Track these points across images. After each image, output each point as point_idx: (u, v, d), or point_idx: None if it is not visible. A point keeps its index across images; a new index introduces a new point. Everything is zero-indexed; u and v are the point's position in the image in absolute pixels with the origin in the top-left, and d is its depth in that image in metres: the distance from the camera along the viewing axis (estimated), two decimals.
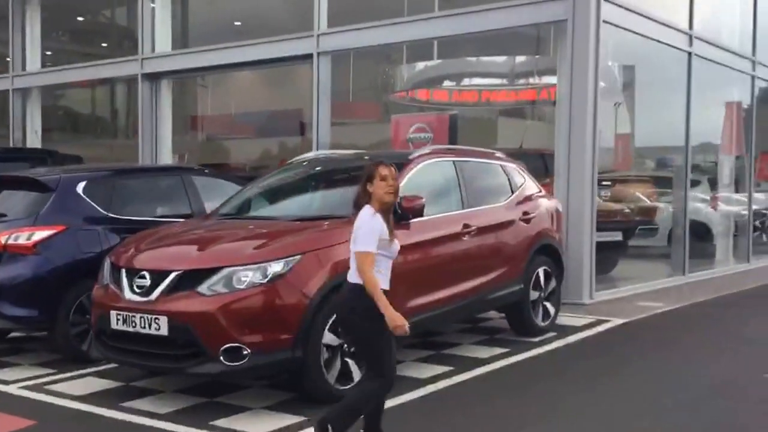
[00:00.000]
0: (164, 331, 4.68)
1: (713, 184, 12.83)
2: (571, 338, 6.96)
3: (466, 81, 15.22)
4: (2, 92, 14.83)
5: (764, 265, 12.78)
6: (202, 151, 19.92)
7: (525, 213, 6.94)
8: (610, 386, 5.57)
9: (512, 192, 7.01)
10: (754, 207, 13.40)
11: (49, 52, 17.13)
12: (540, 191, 7.45)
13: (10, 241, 5.91)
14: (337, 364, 4.94)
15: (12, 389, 5.41)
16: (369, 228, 3.80)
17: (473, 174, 6.69)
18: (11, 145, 14.32)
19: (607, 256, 9.81)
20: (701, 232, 11.97)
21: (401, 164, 5.66)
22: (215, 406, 4.96)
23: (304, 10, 10.65)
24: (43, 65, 14.98)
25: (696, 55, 10.61)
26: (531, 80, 14.44)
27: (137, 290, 4.88)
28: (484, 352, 6.40)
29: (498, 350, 6.47)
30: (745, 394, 5.34)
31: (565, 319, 7.62)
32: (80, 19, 18.90)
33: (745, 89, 12.66)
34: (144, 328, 4.76)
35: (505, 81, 14.94)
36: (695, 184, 11.93)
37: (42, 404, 5.07)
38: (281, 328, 4.69)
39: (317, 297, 4.81)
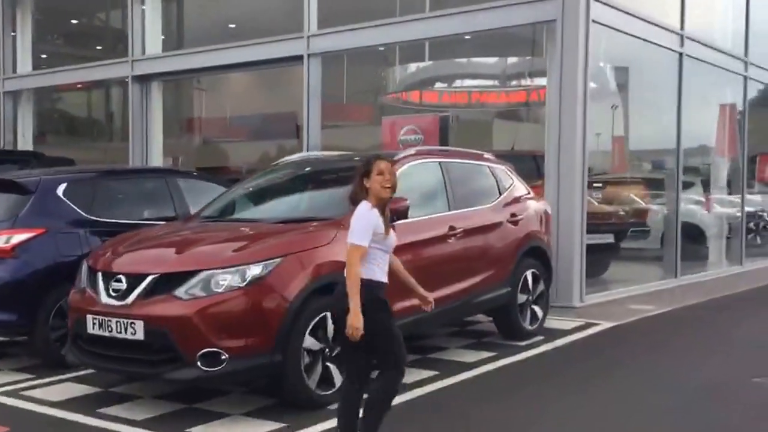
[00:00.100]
0: (140, 335, 4.60)
1: (706, 186, 12.77)
2: (560, 342, 6.88)
3: (458, 82, 15.18)
4: None
5: (757, 268, 12.71)
6: (198, 154, 19.88)
7: (513, 215, 6.86)
8: (598, 390, 5.49)
9: (500, 193, 6.93)
10: (750, 209, 13.34)
11: (44, 56, 17.10)
12: (528, 193, 7.37)
13: None
14: (319, 368, 4.86)
15: None
16: (365, 222, 3.77)
17: (460, 175, 6.61)
18: (2, 147, 14.25)
19: (598, 258, 9.74)
20: (694, 235, 11.90)
21: None
22: (194, 412, 4.87)
23: (297, 12, 10.58)
24: (39, 68, 14.92)
25: (687, 55, 10.55)
26: (522, 82, 14.41)
27: (113, 294, 4.80)
28: (470, 356, 6.32)
29: (485, 354, 6.39)
30: (735, 397, 5.27)
31: (554, 322, 7.54)
32: (75, 22, 18.85)
33: (738, 90, 12.60)
34: (120, 332, 4.67)
35: (497, 83, 14.90)
36: (688, 185, 11.87)
37: (17, 410, 4.98)
38: (260, 332, 4.61)
39: (298, 300, 4.73)
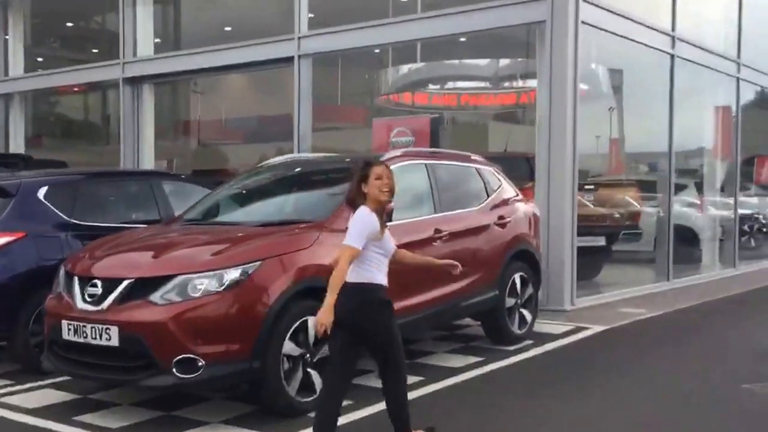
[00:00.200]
0: (115, 341, 4.50)
1: (700, 188, 12.70)
2: (549, 346, 6.79)
3: (450, 84, 15.12)
4: None
5: (751, 271, 12.63)
6: (194, 157, 19.82)
7: (501, 217, 6.78)
8: (588, 395, 5.40)
9: (488, 196, 6.85)
10: (745, 211, 13.26)
11: (40, 59, 17.04)
12: (517, 195, 7.28)
13: None
14: (299, 375, 4.76)
15: None
16: (361, 226, 3.83)
17: (447, 177, 6.53)
18: None
19: (590, 261, 9.66)
20: (687, 237, 11.82)
21: None
22: (171, 420, 4.78)
23: (292, 14, 10.52)
24: (35, 71, 14.86)
25: (679, 57, 10.48)
26: (514, 84, 14.35)
27: (89, 299, 4.70)
28: (458, 361, 6.23)
29: (473, 359, 6.30)
30: (725, 404, 5.18)
31: (544, 326, 7.45)
32: (71, 25, 18.79)
33: (731, 92, 12.53)
34: (95, 338, 4.58)
35: (488, 84, 14.85)
36: (681, 188, 11.79)
37: None
38: (238, 338, 4.51)
39: (277, 305, 4.64)
